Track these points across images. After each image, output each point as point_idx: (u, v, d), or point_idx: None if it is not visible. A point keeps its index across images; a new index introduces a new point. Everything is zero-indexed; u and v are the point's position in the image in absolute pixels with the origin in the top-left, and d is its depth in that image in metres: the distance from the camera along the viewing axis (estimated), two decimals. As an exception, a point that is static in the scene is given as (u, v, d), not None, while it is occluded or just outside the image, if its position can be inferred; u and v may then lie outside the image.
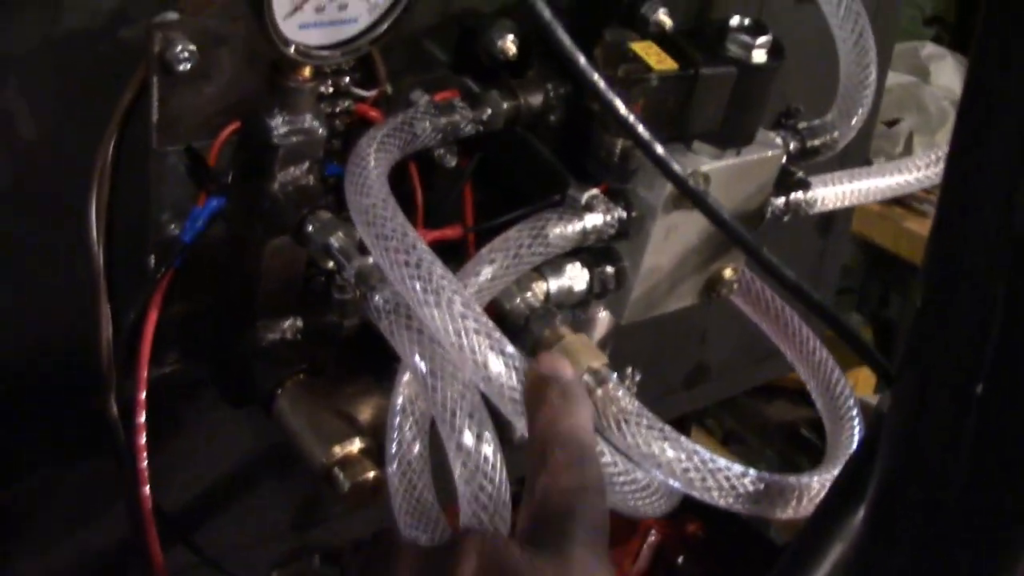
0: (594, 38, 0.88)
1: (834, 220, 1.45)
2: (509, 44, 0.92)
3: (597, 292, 0.88)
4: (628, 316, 0.91)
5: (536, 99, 0.89)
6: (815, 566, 0.72)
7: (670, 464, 0.72)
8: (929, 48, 2.31)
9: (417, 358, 0.71)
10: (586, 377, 0.78)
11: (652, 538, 1.91)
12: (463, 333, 0.67)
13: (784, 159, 0.91)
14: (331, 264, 0.79)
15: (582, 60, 0.68)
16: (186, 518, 1.01)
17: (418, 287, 0.69)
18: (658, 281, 0.90)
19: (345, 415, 0.85)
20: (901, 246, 2.16)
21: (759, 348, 1.35)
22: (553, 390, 0.66)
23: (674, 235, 0.87)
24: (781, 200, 0.94)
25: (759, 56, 0.84)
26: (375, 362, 0.87)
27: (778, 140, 0.92)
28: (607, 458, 0.70)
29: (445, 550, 0.56)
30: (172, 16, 0.82)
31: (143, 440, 0.85)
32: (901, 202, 2.13)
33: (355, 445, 0.81)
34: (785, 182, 0.94)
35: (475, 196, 0.95)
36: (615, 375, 0.78)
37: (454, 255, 0.89)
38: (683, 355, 1.40)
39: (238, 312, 0.89)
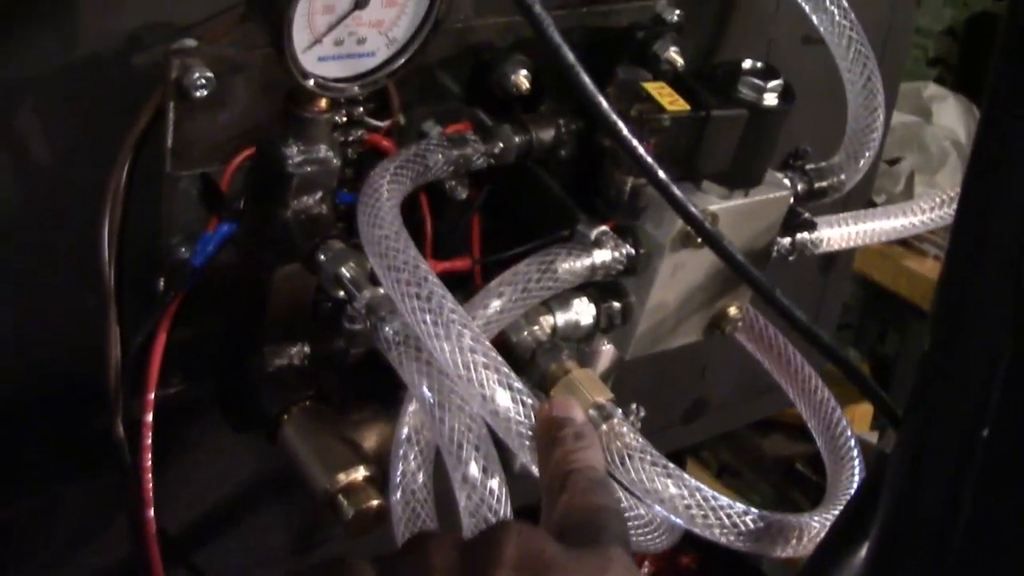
0: (604, 74, 0.89)
1: (836, 259, 1.46)
2: (522, 79, 0.93)
3: (603, 327, 0.89)
4: (633, 351, 0.92)
5: (548, 134, 0.90)
6: (815, 606, 0.72)
7: (673, 500, 0.72)
8: (932, 89, 2.33)
9: (425, 389, 0.71)
10: (591, 412, 0.78)
11: (646, 570, 1.91)
12: (472, 367, 0.68)
13: (791, 200, 0.92)
14: (341, 293, 0.79)
15: (605, 104, 0.69)
16: (187, 539, 1.01)
17: (428, 320, 0.69)
18: (664, 317, 0.91)
19: (350, 442, 0.85)
20: (900, 284, 2.17)
21: (758, 383, 1.36)
22: (567, 431, 0.66)
23: (681, 272, 0.88)
24: (787, 240, 0.95)
25: (770, 99, 0.85)
26: (381, 389, 0.88)
27: (786, 181, 0.92)
28: (611, 493, 0.70)
29: (482, 541, 0.54)
30: (190, 43, 0.83)
31: (148, 461, 0.85)
32: (901, 241, 2.14)
33: (359, 473, 0.82)
34: (791, 222, 0.94)
35: (484, 228, 0.95)
36: (620, 410, 0.78)
37: (461, 285, 0.90)
38: (683, 389, 1.40)
39: (246, 337, 0.89)
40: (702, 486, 0.73)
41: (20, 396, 0.89)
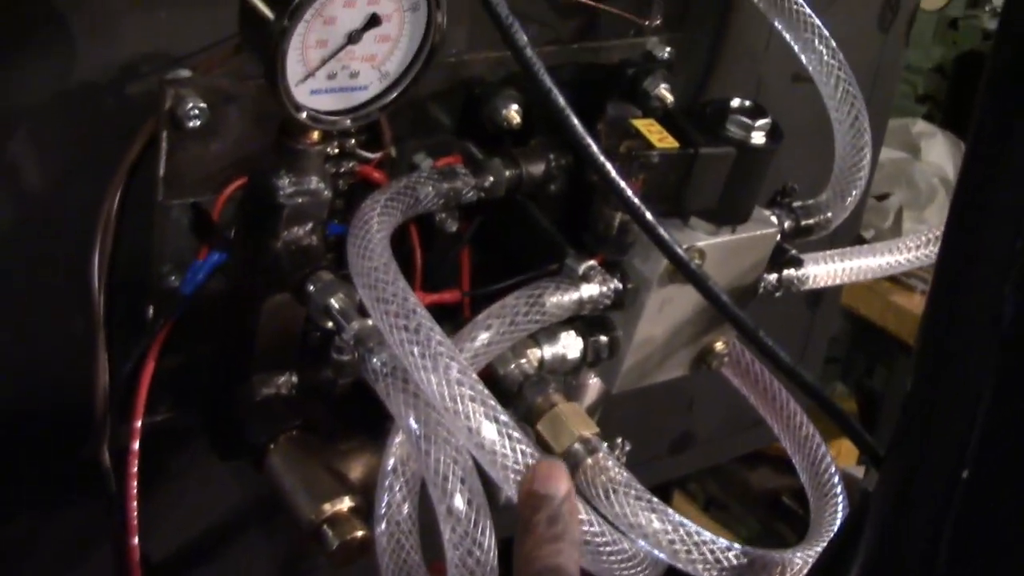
0: (595, 109, 0.90)
1: (824, 293, 1.46)
2: (513, 113, 0.94)
3: (590, 361, 0.89)
4: (620, 385, 0.92)
5: (538, 168, 0.91)
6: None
7: (656, 535, 0.73)
8: (920, 125, 2.34)
9: (412, 421, 0.71)
10: (576, 445, 0.79)
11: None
12: (458, 399, 0.68)
13: (778, 237, 0.93)
14: (330, 324, 0.79)
15: (594, 147, 0.69)
16: (172, 568, 1.01)
17: (416, 351, 0.70)
18: (650, 352, 0.91)
19: (336, 472, 0.85)
20: (888, 319, 2.18)
21: (744, 417, 1.36)
22: (541, 515, 0.65)
23: (668, 307, 0.89)
24: (774, 276, 0.96)
25: (758, 138, 0.86)
26: (368, 420, 0.88)
27: (773, 218, 0.93)
28: (595, 527, 0.70)
29: None
30: (184, 73, 0.84)
31: (134, 489, 0.85)
32: (889, 276, 2.15)
33: (345, 503, 0.82)
34: (778, 259, 0.95)
35: (473, 260, 0.96)
36: (605, 444, 0.79)
37: (449, 317, 0.90)
38: (669, 422, 1.41)
39: (234, 365, 0.89)
40: (686, 521, 0.73)
41: (6, 421, 0.89)
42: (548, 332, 0.87)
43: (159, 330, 0.86)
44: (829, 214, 0.98)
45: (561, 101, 0.69)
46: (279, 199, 0.81)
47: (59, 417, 0.88)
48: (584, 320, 0.89)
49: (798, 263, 0.97)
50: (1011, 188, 0.56)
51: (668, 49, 1.05)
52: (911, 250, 1.03)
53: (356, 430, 0.92)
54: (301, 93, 0.75)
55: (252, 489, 1.03)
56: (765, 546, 0.79)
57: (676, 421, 1.41)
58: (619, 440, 0.87)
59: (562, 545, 0.64)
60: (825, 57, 0.98)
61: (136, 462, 0.85)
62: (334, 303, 0.79)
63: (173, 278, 0.89)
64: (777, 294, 0.97)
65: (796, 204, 0.98)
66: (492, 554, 0.69)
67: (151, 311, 0.89)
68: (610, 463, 0.76)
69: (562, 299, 0.85)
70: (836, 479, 0.91)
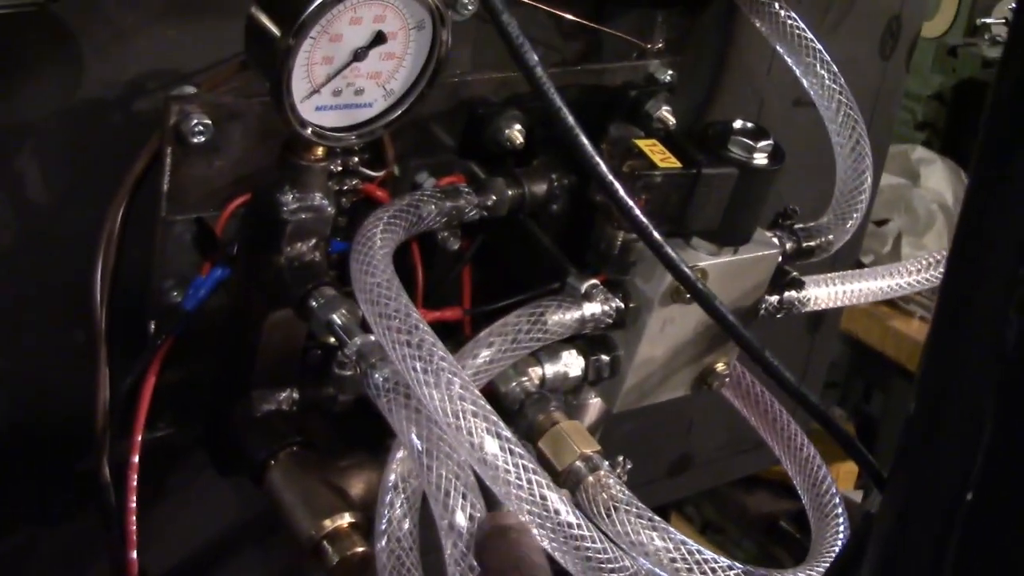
0: (598, 131, 0.90)
1: (824, 317, 1.47)
2: (516, 133, 0.94)
3: (591, 379, 0.90)
4: (620, 404, 0.92)
5: (540, 188, 0.92)
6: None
7: (658, 554, 0.73)
8: (920, 152, 2.35)
9: (414, 437, 0.71)
10: (578, 463, 0.79)
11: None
12: (461, 414, 0.68)
13: (780, 258, 0.93)
14: (332, 340, 0.80)
15: (603, 166, 0.70)
16: (169, 583, 1.01)
17: (418, 367, 0.70)
18: (652, 372, 0.91)
19: (336, 488, 0.85)
20: (887, 344, 2.18)
21: (743, 440, 1.37)
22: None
23: (669, 327, 0.89)
24: (775, 298, 0.96)
25: (760, 159, 0.86)
26: (369, 437, 0.88)
27: (775, 240, 0.94)
28: (596, 544, 0.70)
29: None
30: (189, 90, 0.84)
31: (133, 503, 0.85)
32: (888, 301, 2.15)
33: (345, 519, 0.82)
34: (780, 281, 0.95)
35: (474, 278, 0.96)
36: (607, 462, 0.79)
37: (450, 334, 0.90)
38: (669, 444, 1.41)
39: (235, 381, 0.89)
40: (687, 540, 0.73)
41: (6, 433, 0.89)
42: (550, 350, 0.87)
43: (160, 345, 0.86)
44: (830, 237, 0.99)
45: (571, 120, 0.69)
46: (283, 215, 0.81)
47: (59, 431, 0.89)
48: (586, 339, 0.89)
49: (799, 285, 0.97)
50: (1014, 215, 0.56)
51: (670, 72, 1.05)
52: (911, 274, 1.03)
53: (356, 447, 0.92)
54: (306, 109, 0.75)
55: (251, 505, 1.03)
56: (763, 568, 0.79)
57: (675, 443, 1.41)
58: (620, 458, 0.87)
59: None
60: (827, 81, 0.99)
61: (135, 476, 0.85)
62: (336, 319, 0.79)
63: (175, 294, 0.89)
64: (778, 316, 0.97)
65: (797, 226, 0.98)
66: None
67: (152, 326, 0.89)
68: (611, 481, 0.76)
69: (564, 317, 0.85)
70: (837, 500, 0.91)
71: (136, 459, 0.85)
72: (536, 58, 0.69)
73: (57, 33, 0.79)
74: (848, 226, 1.00)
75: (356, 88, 0.77)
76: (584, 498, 0.77)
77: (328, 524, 0.81)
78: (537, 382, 0.86)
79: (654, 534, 0.73)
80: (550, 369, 0.87)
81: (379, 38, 0.75)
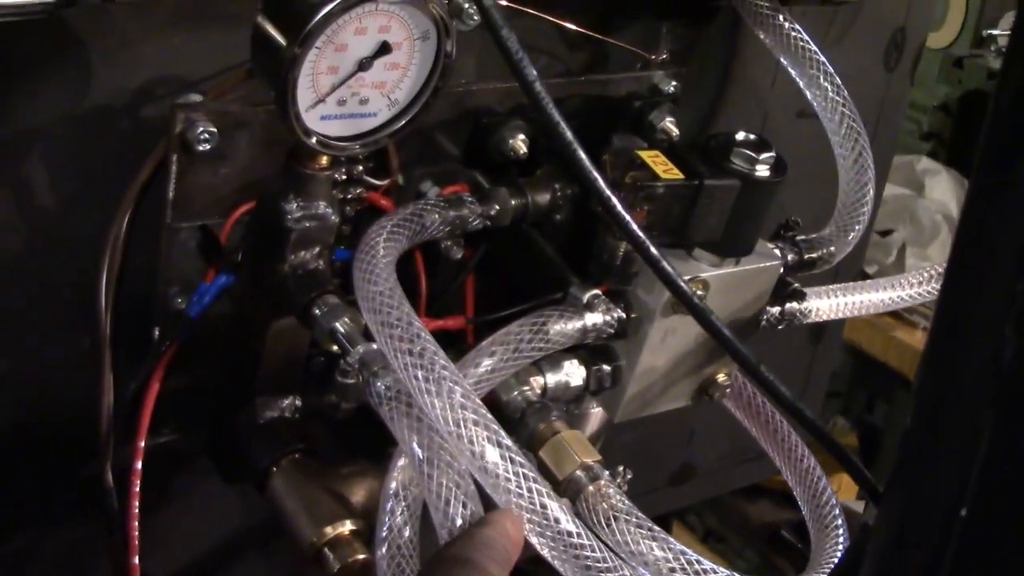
0: (601, 141, 0.91)
1: (826, 328, 1.47)
2: (520, 143, 0.95)
3: (593, 389, 0.90)
4: (622, 414, 0.92)
5: (543, 198, 0.92)
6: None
7: (657, 563, 0.73)
8: (925, 162, 2.35)
9: (415, 445, 0.72)
10: (579, 472, 0.79)
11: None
12: (462, 423, 0.69)
13: (781, 270, 0.94)
14: (335, 348, 0.80)
15: (600, 181, 0.70)
16: (170, 589, 1.01)
17: (420, 375, 0.70)
18: (653, 382, 0.92)
19: (338, 496, 0.85)
20: (890, 354, 2.18)
21: (745, 449, 1.37)
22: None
23: (671, 338, 0.89)
24: (777, 309, 0.96)
25: (762, 171, 0.87)
26: (370, 444, 0.88)
27: (776, 251, 0.94)
28: (596, 553, 0.71)
29: None
30: (195, 98, 0.85)
31: (136, 508, 0.86)
32: (891, 312, 2.15)
33: (346, 527, 0.82)
34: (781, 292, 0.96)
35: (477, 287, 0.97)
36: (607, 472, 0.79)
37: (452, 343, 0.91)
38: (670, 453, 1.41)
39: (238, 388, 0.90)
40: (687, 550, 0.73)
41: (10, 438, 0.89)
42: (551, 360, 0.88)
43: (164, 352, 0.86)
44: (832, 248, 0.99)
45: (569, 135, 0.69)
46: (287, 223, 0.81)
47: (63, 434, 0.89)
48: (587, 349, 0.90)
49: (801, 296, 0.97)
50: (1012, 230, 0.56)
51: (674, 83, 1.06)
52: (914, 286, 1.03)
53: (359, 454, 0.92)
54: (311, 119, 0.76)
55: (253, 511, 1.03)
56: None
57: (676, 453, 1.41)
58: (620, 468, 0.87)
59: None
60: (830, 93, 0.99)
61: (138, 481, 0.85)
62: (339, 327, 0.79)
63: (180, 300, 0.89)
64: (780, 327, 0.97)
65: (800, 238, 0.98)
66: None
67: (157, 333, 0.89)
68: (612, 491, 0.76)
69: (566, 327, 0.85)
70: (837, 511, 0.92)
71: (139, 464, 0.85)
72: (535, 73, 0.70)
73: (65, 40, 0.79)
74: (850, 238, 1.00)
75: (361, 98, 0.78)
76: (584, 507, 0.77)
77: (330, 531, 0.82)
78: (539, 391, 0.86)
79: (654, 544, 0.73)
80: (552, 378, 0.88)
81: (384, 48, 0.76)
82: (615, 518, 0.75)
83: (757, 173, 0.87)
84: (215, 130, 0.83)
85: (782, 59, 1.01)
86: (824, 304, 1.00)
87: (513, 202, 0.91)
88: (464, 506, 0.69)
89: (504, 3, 0.81)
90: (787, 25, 1.00)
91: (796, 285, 0.97)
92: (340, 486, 0.87)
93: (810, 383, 1.51)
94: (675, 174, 0.85)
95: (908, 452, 0.62)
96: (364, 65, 0.76)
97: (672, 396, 0.94)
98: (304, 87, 0.74)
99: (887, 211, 2.19)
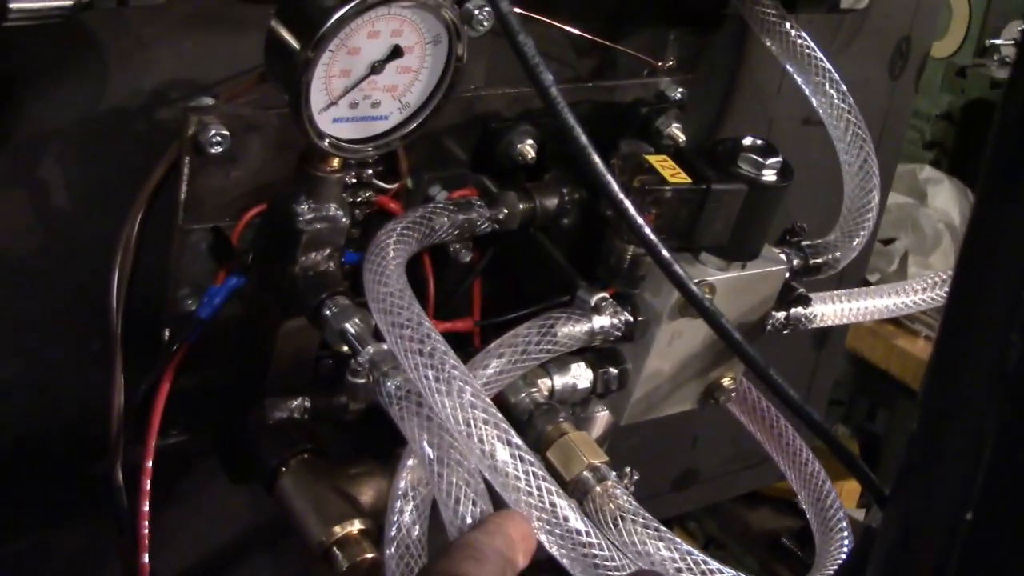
0: (608, 147, 0.91)
1: (829, 335, 1.47)
2: (528, 148, 0.96)
3: (600, 392, 0.91)
4: (628, 417, 0.93)
5: (551, 202, 0.93)
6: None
7: (664, 564, 0.73)
8: (927, 171, 2.36)
9: (425, 444, 0.72)
10: (586, 473, 0.80)
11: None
12: (472, 422, 0.69)
13: (787, 275, 0.94)
14: (345, 348, 0.81)
15: (614, 184, 0.71)
16: (178, 588, 1.02)
17: (430, 375, 0.71)
18: (659, 385, 0.92)
19: (347, 495, 0.86)
20: (892, 363, 2.18)
21: (749, 455, 1.37)
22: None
23: (678, 341, 0.90)
24: (782, 314, 0.97)
25: (769, 175, 0.87)
26: (379, 445, 0.89)
27: (782, 256, 0.95)
28: (605, 552, 0.71)
29: None
30: (208, 100, 0.85)
31: (146, 507, 0.86)
32: (893, 320, 2.16)
33: (355, 526, 0.83)
34: (787, 297, 0.96)
35: (485, 291, 0.97)
36: (614, 473, 0.80)
37: (460, 346, 0.91)
38: (674, 458, 1.41)
39: (248, 389, 0.91)
40: (693, 550, 0.74)
41: (21, 437, 0.90)
42: (559, 362, 0.88)
43: (175, 353, 0.87)
44: (837, 254, 1.00)
45: (583, 139, 0.70)
46: (298, 224, 0.82)
47: (74, 434, 0.90)
48: (594, 352, 0.90)
49: (806, 301, 0.98)
50: (1018, 239, 0.57)
51: (681, 90, 1.07)
52: (917, 292, 1.04)
53: (367, 454, 0.93)
54: (323, 121, 0.77)
55: (261, 511, 1.03)
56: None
57: (680, 458, 1.42)
58: (627, 469, 0.88)
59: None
60: (836, 101, 1.00)
61: (148, 480, 0.86)
62: (350, 327, 0.80)
63: (190, 302, 0.90)
64: (785, 332, 0.98)
65: (805, 243, 0.99)
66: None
67: (167, 334, 0.90)
68: (619, 491, 0.77)
69: (573, 330, 0.86)
70: (841, 514, 0.92)
71: (149, 464, 0.86)
72: (551, 77, 0.70)
73: (80, 43, 0.80)
74: (855, 244, 1.01)
75: (373, 101, 0.79)
76: (592, 508, 0.78)
77: (338, 530, 0.82)
78: (546, 393, 0.87)
79: (660, 544, 0.74)
80: (559, 381, 0.88)
81: (396, 52, 0.77)
82: (622, 518, 0.75)
83: (764, 178, 0.87)
84: (227, 133, 0.83)
85: (788, 66, 1.02)
86: (829, 309, 1.00)
87: (521, 206, 0.92)
88: (474, 504, 0.70)
89: (515, 10, 0.82)
90: (793, 33, 1.01)
91: (801, 290, 0.98)
92: (349, 486, 0.88)
93: (813, 390, 1.52)
94: (683, 178, 0.86)
95: (914, 456, 0.63)
96: (376, 68, 0.77)
97: (678, 399, 0.95)
98: (317, 90, 0.75)
99: (889, 220, 2.20)
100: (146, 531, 0.87)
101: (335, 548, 0.82)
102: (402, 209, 0.93)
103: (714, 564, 0.74)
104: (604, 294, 0.88)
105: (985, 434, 0.58)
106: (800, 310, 0.98)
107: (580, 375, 0.89)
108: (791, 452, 0.99)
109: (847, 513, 0.96)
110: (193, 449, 0.96)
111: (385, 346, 0.77)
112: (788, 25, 1.01)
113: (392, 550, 0.75)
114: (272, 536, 1.06)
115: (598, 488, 0.78)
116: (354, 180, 0.91)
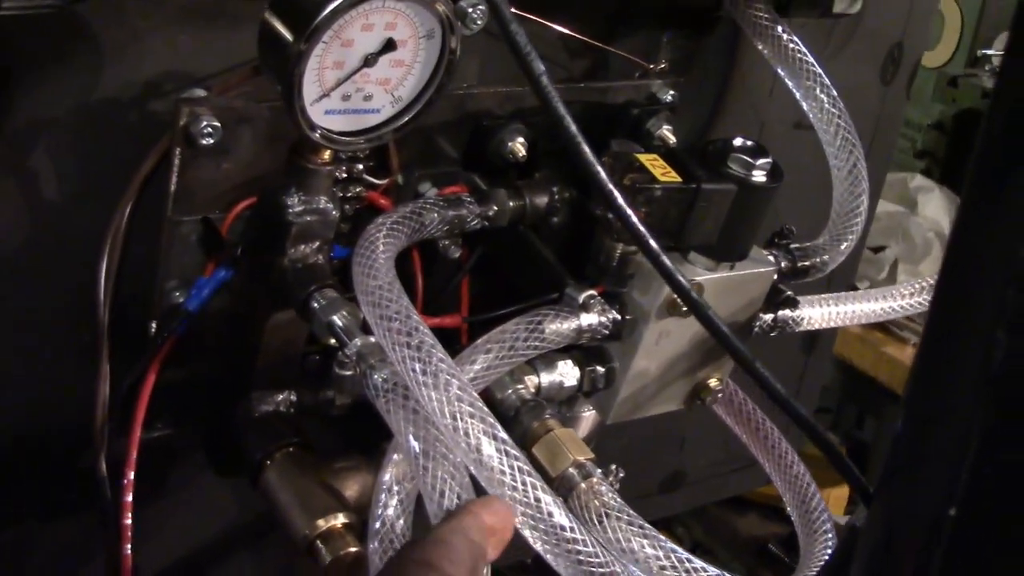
0: (600, 148, 0.91)
1: (817, 340, 1.48)
2: (519, 146, 0.96)
3: (586, 390, 0.91)
4: (614, 416, 0.93)
5: (541, 200, 0.93)
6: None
7: (648, 561, 0.74)
8: (918, 180, 2.36)
9: (411, 437, 0.72)
10: (571, 469, 0.80)
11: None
12: (458, 416, 0.69)
13: (775, 276, 0.94)
14: (333, 341, 0.81)
15: (603, 174, 0.71)
16: (163, 581, 1.02)
17: (417, 368, 0.71)
18: (646, 384, 0.92)
19: (331, 489, 0.86)
20: (880, 370, 2.18)
21: (736, 458, 1.37)
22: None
23: (665, 341, 0.90)
24: (770, 316, 0.97)
25: (759, 176, 0.88)
26: (366, 440, 0.89)
27: (771, 258, 0.95)
28: (589, 547, 0.71)
29: None
30: (200, 92, 0.85)
31: (130, 498, 0.86)
32: (882, 327, 2.16)
33: (339, 520, 0.83)
34: (775, 299, 0.96)
35: (473, 288, 0.97)
36: (600, 470, 0.80)
37: (447, 343, 0.91)
38: (661, 460, 1.41)
39: (235, 382, 0.90)
40: (677, 548, 0.74)
41: (6, 429, 0.90)
42: (546, 359, 0.88)
43: (161, 345, 0.87)
44: (825, 257, 1.00)
45: (573, 128, 0.70)
46: (288, 216, 0.82)
47: (64, 427, 0.89)
48: (582, 350, 0.90)
49: (794, 304, 0.98)
50: (1003, 237, 0.57)
51: (672, 92, 1.07)
52: (905, 297, 1.04)
53: (353, 449, 0.93)
54: (316, 113, 0.77)
55: (246, 506, 1.03)
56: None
57: (667, 460, 1.42)
58: (613, 467, 0.88)
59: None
60: (826, 105, 1.00)
61: (132, 473, 0.86)
62: (337, 320, 0.80)
63: (178, 294, 0.90)
64: (772, 334, 0.98)
65: (794, 246, 0.99)
66: (487, 571, 0.70)
67: (154, 326, 0.90)
68: (604, 488, 0.77)
69: (561, 327, 0.86)
70: (826, 516, 0.92)
71: (134, 456, 0.86)
72: (542, 67, 0.71)
73: (75, 33, 0.80)
74: (843, 247, 1.01)
75: (365, 94, 0.79)
76: (576, 504, 0.78)
77: (322, 524, 0.82)
78: (533, 390, 0.87)
79: (644, 541, 0.74)
80: (546, 378, 0.88)
81: (389, 45, 0.77)
82: (607, 515, 0.75)
83: (753, 178, 0.88)
84: (218, 125, 0.83)
85: (779, 70, 1.02)
86: (816, 312, 1.01)
87: (511, 203, 0.92)
88: (459, 497, 0.70)
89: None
90: (785, 37, 1.01)
91: (789, 292, 0.98)
92: (333, 480, 0.87)
93: (801, 396, 1.52)
94: (673, 177, 0.86)
95: (899, 454, 0.63)
96: (369, 61, 0.77)
97: (664, 399, 0.95)
98: (310, 81, 0.75)
99: (880, 227, 2.20)
100: (128, 522, 0.86)
101: (319, 541, 0.82)
102: (392, 205, 0.93)
103: (698, 562, 0.74)
104: (592, 292, 0.88)
105: (970, 430, 0.58)
106: (788, 312, 0.98)
107: (567, 372, 0.89)
108: (777, 455, 0.99)
109: (832, 516, 0.96)
110: (179, 443, 0.96)
111: (373, 339, 0.77)
112: (780, 29, 1.01)
113: (376, 544, 0.75)
114: (257, 531, 1.06)
115: (583, 485, 0.78)
116: (344, 175, 0.91)
